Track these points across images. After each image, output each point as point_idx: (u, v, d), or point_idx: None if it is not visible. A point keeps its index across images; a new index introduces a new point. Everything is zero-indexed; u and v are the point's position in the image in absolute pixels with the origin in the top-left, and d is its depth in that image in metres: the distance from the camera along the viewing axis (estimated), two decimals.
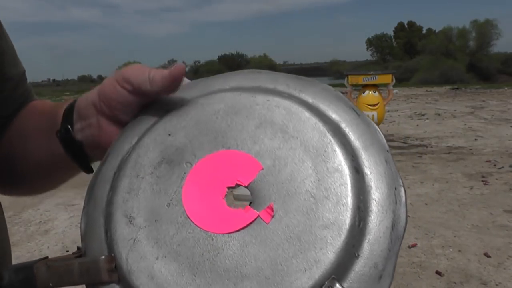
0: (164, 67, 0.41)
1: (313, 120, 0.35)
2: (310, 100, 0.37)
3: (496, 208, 3.72)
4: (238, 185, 0.34)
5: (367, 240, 0.31)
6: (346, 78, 6.06)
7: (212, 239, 0.32)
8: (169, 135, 0.37)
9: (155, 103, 0.41)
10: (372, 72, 6.04)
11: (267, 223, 0.31)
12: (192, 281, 0.30)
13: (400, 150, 6.16)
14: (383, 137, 0.35)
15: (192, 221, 0.33)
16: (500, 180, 4.49)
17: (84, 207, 0.37)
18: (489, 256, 2.87)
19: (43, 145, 0.50)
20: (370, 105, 5.72)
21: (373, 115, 5.70)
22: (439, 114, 9.48)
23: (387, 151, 0.35)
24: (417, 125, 8.24)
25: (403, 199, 0.33)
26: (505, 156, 5.46)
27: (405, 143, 6.72)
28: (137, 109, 0.41)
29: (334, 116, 0.36)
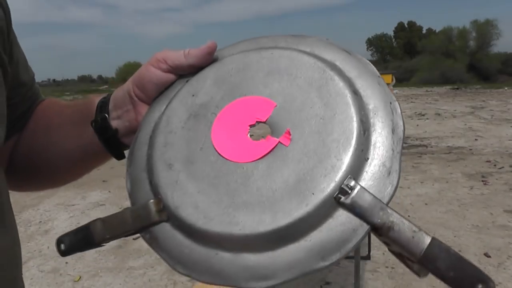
0: None
1: (312, 61, 0.41)
2: (308, 49, 0.43)
3: (496, 208, 3.72)
4: (258, 122, 0.39)
5: (372, 145, 0.36)
6: None
7: (243, 168, 0.37)
8: (193, 95, 0.43)
9: (178, 78, 0.47)
10: None
11: (286, 146, 0.36)
12: (231, 203, 0.35)
13: None
14: (374, 67, 0.41)
15: (223, 157, 0.38)
16: (500, 180, 4.50)
17: (127, 170, 0.42)
18: (489, 256, 2.87)
19: (71, 136, 0.54)
20: None
21: None
22: (439, 114, 9.48)
23: (378, 76, 0.40)
24: (417, 125, 8.24)
25: (398, 110, 0.39)
26: (505, 156, 5.46)
27: (405, 143, 6.72)
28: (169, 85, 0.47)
29: (329, 57, 0.42)
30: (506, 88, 15.16)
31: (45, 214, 4.04)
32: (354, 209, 0.33)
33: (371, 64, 0.41)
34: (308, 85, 0.39)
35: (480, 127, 7.71)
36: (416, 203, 3.92)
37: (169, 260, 0.37)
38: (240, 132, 0.39)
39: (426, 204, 3.91)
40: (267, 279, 0.33)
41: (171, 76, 0.46)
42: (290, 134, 0.37)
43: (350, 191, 0.33)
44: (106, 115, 0.50)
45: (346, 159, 0.34)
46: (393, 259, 2.99)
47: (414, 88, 17.42)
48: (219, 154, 0.38)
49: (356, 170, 0.34)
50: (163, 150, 0.40)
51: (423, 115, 9.52)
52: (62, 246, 0.41)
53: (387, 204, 0.33)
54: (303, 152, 0.36)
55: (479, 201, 3.90)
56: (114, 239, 0.40)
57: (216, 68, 0.44)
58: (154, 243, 0.38)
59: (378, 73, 0.41)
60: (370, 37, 52.00)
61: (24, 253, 3.40)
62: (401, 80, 20.21)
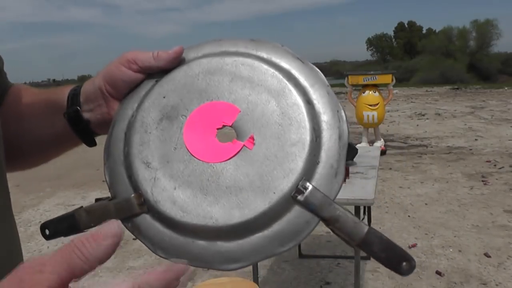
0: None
1: (271, 71, 0.45)
2: (265, 55, 0.48)
3: (496, 208, 3.72)
4: (224, 126, 0.43)
5: (323, 150, 0.42)
6: (346, 78, 6.05)
7: (213, 167, 0.41)
8: (164, 97, 0.46)
9: (146, 76, 0.50)
10: (372, 72, 6.03)
11: (250, 149, 0.42)
12: (205, 199, 0.40)
13: (400, 150, 6.17)
14: (323, 76, 0.46)
15: (195, 157, 0.42)
16: (500, 180, 4.50)
17: (104, 164, 0.46)
18: (489, 256, 2.87)
19: (43, 125, 0.57)
20: (370, 105, 5.72)
21: (373, 115, 5.70)
22: (439, 114, 9.49)
23: (327, 86, 0.46)
24: (417, 125, 8.25)
25: (344, 118, 0.43)
26: (505, 156, 5.47)
27: (405, 143, 6.72)
28: (138, 83, 0.50)
29: (285, 65, 0.47)
30: (506, 88, 15.16)
31: (45, 214, 4.04)
32: (307, 205, 0.39)
33: (321, 73, 0.46)
34: (268, 93, 0.44)
35: (480, 127, 7.71)
36: (416, 203, 3.92)
37: (151, 246, 0.42)
38: (209, 135, 0.43)
39: (426, 204, 3.91)
40: (237, 262, 0.39)
41: (140, 76, 0.49)
42: (253, 139, 0.42)
43: (304, 191, 0.39)
44: (78, 108, 0.54)
45: (301, 163, 0.40)
46: None
47: (414, 88, 17.42)
48: (192, 155, 0.42)
49: (309, 172, 0.40)
50: (140, 149, 0.44)
51: (423, 115, 9.52)
52: (47, 231, 0.45)
53: (333, 200, 0.40)
54: (265, 155, 0.41)
55: (479, 201, 3.90)
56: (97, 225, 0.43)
57: (184, 71, 0.48)
58: (136, 231, 0.42)
59: (327, 82, 0.46)
60: (370, 37, 52.02)
61: (24, 253, 3.37)
62: (401, 80, 20.21)
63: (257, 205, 0.39)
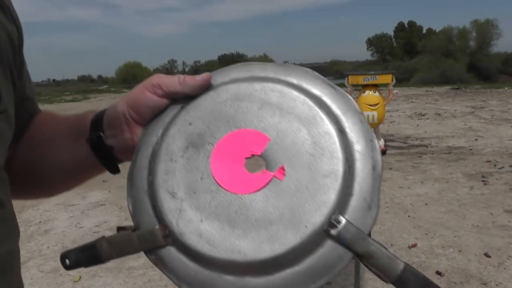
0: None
1: (301, 97, 0.43)
2: (295, 81, 0.46)
3: (496, 208, 3.72)
4: (253, 155, 0.42)
5: (356, 181, 0.40)
6: (346, 78, 6.05)
7: (242, 199, 0.40)
8: (190, 124, 0.45)
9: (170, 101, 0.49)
10: (372, 72, 6.03)
11: (281, 180, 0.40)
12: (233, 232, 0.39)
13: (400, 150, 6.16)
14: (356, 103, 0.44)
15: (223, 188, 0.41)
16: (500, 180, 4.49)
17: (128, 192, 0.45)
18: (489, 256, 2.87)
19: (66, 150, 0.56)
20: (370, 105, 5.71)
21: (373, 115, 5.70)
22: (439, 114, 9.48)
23: (360, 113, 0.44)
24: (417, 125, 8.24)
25: (377, 147, 0.42)
26: (505, 156, 5.46)
27: (405, 143, 6.72)
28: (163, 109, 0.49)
29: (316, 92, 0.45)
30: (506, 88, 15.15)
31: (45, 214, 4.04)
32: (340, 240, 0.38)
33: (353, 100, 0.45)
34: (298, 121, 0.42)
35: (480, 127, 7.71)
36: (416, 203, 3.92)
37: (175, 280, 0.40)
38: (237, 164, 0.42)
39: (426, 204, 3.91)
40: None
41: (165, 101, 0.48)
42: (284, 170, 0.40)
43: (337, 224, 0.38)
44: (101, 134, 0.52)
45: (334, 195, 0.38)
46: None
47: (414, 88, 17.41)
48: (219, 185, 0.41)
49: (342, 204, 0.39)
50: (165, 178, 0.42)
51: (423, 115, 9.52)
52: (67, 261, 0.44)
53: (368, 235, 0.38)
54: (296, 187, 0.39)
55: (479, 201, 3.90)
56: (120, 257, 0.43)
57: (211, 97, 0.46)
58: (160, 264, 0.41)
59: (359, 109, 0.44)
60: (370, 37, 52.01)
61: (24, 253, 3.40)
62: (401, 80, 20.21)
63: (288, 239, 0.37)
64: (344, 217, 0.38)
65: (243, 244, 0.38)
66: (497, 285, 2.55)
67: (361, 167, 0.41)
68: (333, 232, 0.38)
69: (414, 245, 3.08)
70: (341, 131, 0.42)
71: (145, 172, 0.44)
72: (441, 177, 4.72)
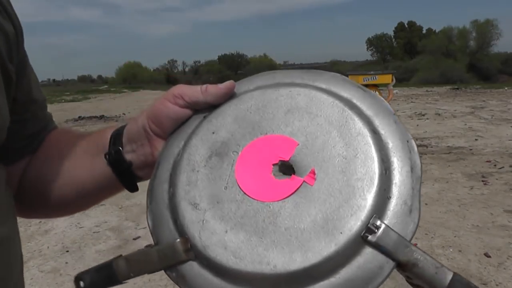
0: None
1: (330, 100, 0.41)
2: (324, 86, 0.44)
3: (496, 208, 3.72)
4: (281, 161, 0.39)
5: (394, 184, 0.37)
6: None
7: (269, 207, 0.37)
8: (213, 133, 0.43)
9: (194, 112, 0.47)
10: (372, 72, 6.03)
11: (311, 185, 0.37)
12: (261, 243, 0.36)
13: None
14: (388, 105, 0.42)
15: (249, 196, 0.38)
16: (500, 180, 4.49)
17: (147, 207, 0.42)
18: (489, 256, 2.87)
19: (84, 166, 0.54)
20: None
21: None
22: (439, 114, 9.48)
23: (394, 114, 0.41)
24: (417, 125, 8.24)
25: (415, 148, 0.39)
26: (505, 156, 5.46)
27: None
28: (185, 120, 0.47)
29: (345, 95, 0.43)
30: (506, 88, 15.16)
31: None
32: (380, 247, 0.34)
33: (385, 102, 0.43)
34: (328, 124, 0.40)
35: (480, 127, 7.71)
36: None
37: None
38: (264, 171, 0.39)
39: (426, 204, 3.91)
40: None
41: (188, 112, 0.47)
42: (315, 174, 0.38)
43: (376, 230, 0.35)
44: (120, 148, 0.51)
45: (371, 198, 0.36)
46: None
47: (414, 88, 17.42)
48: (245, 193, 0.39)
49: (380, 208, 0.36)
50: (187, 189, 0.40)
51: (423, 115, 9.52)
52: (82, 284, 0.41)
53: (410, 241, 0.36)
54: (328, 191, 0.37)
55: (479, 201, 3.90)
56: (138, 276, 0.40)
57: (235, 104, 0.44)
58: (182, 281, 0.38)
59: (392, 110, 0.42)
60: (370, 37, 52.00)
61: (24, 253, 3.35)
62: (401, 80, 20.20)
63: (322, 248, 0.34)
64: (383, 222, 0.35)
65: (272, 254, 0.35)
66: (497, 285, 2.55)
67: (398, 168, 0.38)
68: (371, 238, 0.34)
69: (414, 245, 3.08)
70: (375, 132, 0.39)
71: (165, 185, 0.42)
72: (441, 177, 4.72)
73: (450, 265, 2.78)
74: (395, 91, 10.79)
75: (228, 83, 0.46)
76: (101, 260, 0.41)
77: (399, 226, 0.36)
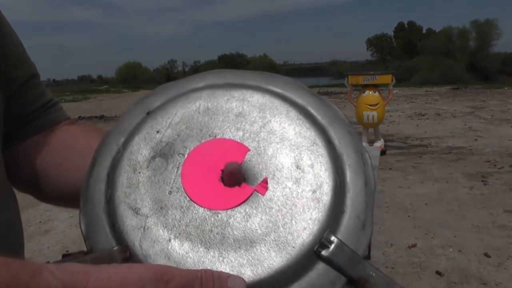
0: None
1: (284, 106, 0.40)
2: (278, 90, 0.42)
3: (496, 208, 3.72)
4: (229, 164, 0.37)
5: (348, 197, 0.36)
6: (346, 78, 6.05)
7: (218, 216, 0.35)
8: (157, 132, 0.40)
9: (133, 107, 0.43)
10: (372, 72, 6.02)
11: (263, 195, 0.35)
12: (207, 254, 0.33)
13: (400, 150, 6.16)
14: (343, 114, 0.41)
15: (195, 203, 0.36)
16: (500, 180, 4.49)
17: (80, 210, 0.38)
18: (489, 256, 2.87)
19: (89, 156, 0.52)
20: (370, 105, 5.71)
21: (373, 115, 5.70)
22: (439, 114, 9.48)
23: (348, 125, 0.40)
24: (417, 125, 8.24)
25: (369, 161, 0.38)
26: (505, 156, 5.46)
27: (405, 143, 6.72)
28: None
29: (300, 101, 0.41)
30: (506, 88, 15.15)
31: (45, 214, 4.04)
32: (332, 262, 0.33)
33: (339, 111, 0.41)
34: (281, 130, 0.38)
35: (480, 127, 7.71)
36: (416, 203, 3.92)
37: None
38: (212, 177, 0.37)
39: (426, 204, 3.91)
40: None
41: None
42: (267, 183, 0.36)
43: (329, 245, 0.34)
44: None
45: (324, 212, 0.35)
46: (393, 259, 2.98)
47: (414, 88, 17.41)
48: (191, 199, 0.36)
49: (333, 222, 0.35)
50: (127, 191, 0.37)
51: (423, 115, 9.52)
52: None
53: (362, 257, 0.34)
54: (281, 202, 0.35)
55: (479, 201, 3.90)
56: None
57: (182, 102, 0.41)
58: None
59: (347, 121, 0.41)
60: (370, 37, 51.98)
61: (24, 253, 3.38)
62: (401, 80, 20.18)
63: (273, 262, 0.33)
64: (336, 236, 0.34)
65: (219, 267, 0.33)
66: (497, 285, 2.55)
67: (352, 182, 0.37)
68: (324, 253, 0.33)
69: (414, 245, 3.08)
70: (329, 142, 0.38)
71: (102, 185, 0.38)
72: (441, 177, 4.72)
73: (450, 265, 2.78)
74: (395, 91, 10.79)
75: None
76: None
77: (352, 241, 0.35)
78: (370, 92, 5.79)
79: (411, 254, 2.95)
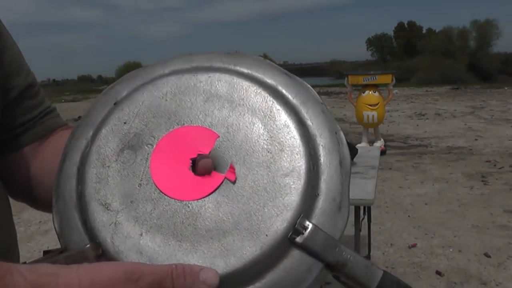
0: None
1: (253, 87, 0.38)
2: (245, 70, 0.40)
3: (496, 208, 3.72)
4: (200, 155, 0.36)
5: (322, 180, 0.35)
6: (346, 78, 6.05)
7: (188, 207, 0.34)
8: (125, 123, 0.38)
9: (101, 97, 0.42)
10: (372, 72, 6.03)
11: (233, 182, 0.35)
12: (179, 247, 0.33)
13: (400, 150, 6.16)
14: (316, 92, 0.39)
15: (166, 195, 0.35)
16: (500, 180, 4.50)
17: (53, 207, 0.38)
18: (489, 256, 2.87)
19: None
20: (370, 105, 5.72)
21: (373, 115, 5.70)
22: (439, 114, 9.48)
23: (321, 103, 0.39)
24: (417, 125, 8.24)
25: (344, 140, 0.37)
26: (505, 156, 5.46)
27: (405, 143, 6.72)
28: None
29: (270, 81, 0.39)
30: (506, 88, 15.16)
31: (45, 214, 4.02)
32: (308, 248, 0.32)
33: (313, 89, 0.40)
34: (251, 114, 0.37)
35: (480, 127, 7.71)
36: (416, 203, 3.92)
37: None
38: (182, 166, 0.36)
39: (426, 204, 3.91)
40: None
41: None
42: (234, 169, 0.35)
43: (303, 231, 0.33)
44: None
45: (298, 196, 0.33)
46: (393, 259, 2.97)
47: (414, 88, 17.42)
48: (161, 192, 0.35)
49: (307, 207, 0.34)
50: (97, 187, 0.36)
51: (423, 115, 9.52)
52: None
53: (339, 240, 0.33)
54: (252, 189, 0.34)
55: (479, 201, 3.90)
56: None
57: (149, 91, 0.40)
58: None
59: (320, 99, 0.39)
60: (370, 37, 51.97)
61: (24, 253, 3.39)
62: (401, 80, 20.17)
63: (246, 252, 0.32)
64: (311, 221, 0.33)
65: (192, 260, 0.32)
66: (497, 285, 2.55)
67: (326, 163, 0.35)
68: (298, 239, 0.32)
69: (414, 245, 3.08)
70: (302, 123, 0.37)
71: (73, 181, 0.37)
72: (441, 177, 4.72)
73: (450, 265, 2.78)
74: (395, 91, 10.80)
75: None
76: None
77: (328, 225, 0.34)
78: (370, 92, 5.79)
79: (411, 254, 2.95)
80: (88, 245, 0.34)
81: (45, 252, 0.35)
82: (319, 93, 0.40)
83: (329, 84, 21.88)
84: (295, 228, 0.33)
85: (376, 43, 51.04)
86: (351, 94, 6.18)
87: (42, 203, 0.57)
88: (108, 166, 0.37)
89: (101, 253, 0.34)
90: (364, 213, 2.94)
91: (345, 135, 0.38)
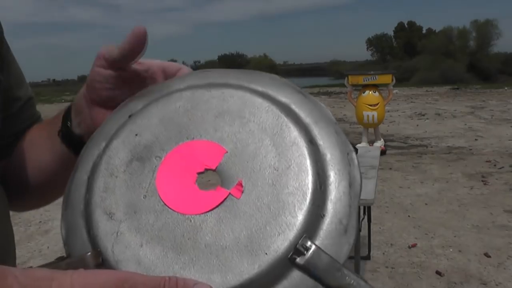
0: None
1: (265, 104, 0.38)
2: (260, 88, 0.40)
3: (496, 208, 3.72)
4: (206, 170, 0.36)
5: (329, 200, 0.34)
6: (346, 78, 6.05)
7: (190, 220, 0.34)
8: (136, 135, 0.39)
9: (118, 109, 0.43)
10: (372, 72, 6.03)
11: (238, 198, 0.34)
12: (178, 260, 0.33)
13: (400, 150, 6.16)
14: (330, 112, 0.39)
15: (169, 207, 0.35)
16: (500, 180, 4.50)
17: (62, 214, 0.39)
18: (489, 256, 2.87)
19: (44, 149, 0.54)
20: (370, 105, 5.72)
21: (373, 115, 5.70)
22: (439, 114, 9.48)
23: (335, 123, 0.39)
24: (417, 125, 8.24)
25: (355, 161, 0.36)
26: (505, 156, 5.46)
27: (405, 143, 6.72)
28: (117, 83, 0.45)
29: (283, 99, 0.40)
30: (506, 88, 15.16)
31: (45, 214, 4.04)
32: (309, 270, 0.32)
33: (327, 109, 0.40)
34: (261, 131, 0.37)
35: (480, 127, 7.71)
36: (416, 203, 3.92)
37: None
38: (188, 180, 0.36)
39: (426, 204, 3.91)
40: None
41: (111, 73, 0.44)
42: (242, 186, 0.35)
43: (305, 252, 0.32)
44: (69, 123, 0.50)
45: (301, 216, 0.33)
46: (393, 259, 2.98)
47: (414, 88, 17.42)
48: (165, 204, 0.35)
49: (311, 227, 0.33)
50: (103, 196, 0.37)
51: (423, 115, 9.52)
52: None
53: (343, 264, 0.32)
54: (256, 206, 0.34)
55: (479, 201, 3.90)
56: None
57: (162, 104, 0.40)
58: None
59: (334, 119, 0.39)
60: (370, 37, 51.98)
61: (24, 253, 3.40)
62: (401, 80, 20.16)
63: (244, 269, 0.32)
64: (314, 242, 0.32)
65: (188, 274, 0.32)
66: (497, 285, 2.55)
67: (335, 183, 0.35)
68: (299, 260, 0.32)
69: (414, 245, 3.08)
70: (312, 142, 0.36)
71: (82, 190, 0.38)
72: (441, 177, 4.72)
73: (450, 265, 2.78)
74: (395, 91, 10.80)
75: (135, 28, 0.41)
76: None
77: (332, 247, 0.33)
78: (370, 92, 5.80)
79: (411, 254, 2.95)
80: (89, 253, 0.34)
81: (58, 259, 0.35)
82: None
83: (329, 84, 21.84)
84: (296, 248, 0.32)
85: (376, 43, 51.04)
86: (351, 94, 6.18)
87: (34, 188, 0.57)
88: (116, 176, 0.37)
89: (101, 262, 0.34)
90: (364, 213, 2.94)
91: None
